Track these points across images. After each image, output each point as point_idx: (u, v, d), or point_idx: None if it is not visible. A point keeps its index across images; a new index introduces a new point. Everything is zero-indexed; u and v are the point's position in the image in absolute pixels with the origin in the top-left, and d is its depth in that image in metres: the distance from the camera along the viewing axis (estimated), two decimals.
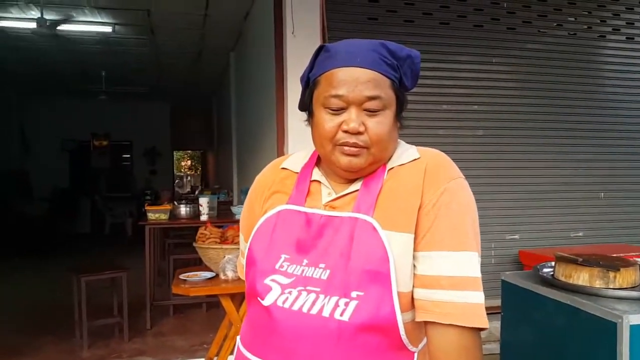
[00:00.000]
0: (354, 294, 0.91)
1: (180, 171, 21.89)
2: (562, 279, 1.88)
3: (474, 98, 4.24)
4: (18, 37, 6.80)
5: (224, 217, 4.83)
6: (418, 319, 0.95)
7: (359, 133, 0.97)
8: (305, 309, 0.92)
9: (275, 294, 0.96)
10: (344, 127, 0.97)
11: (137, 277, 4.63)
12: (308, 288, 0.94)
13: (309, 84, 1.06)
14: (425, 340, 0.99)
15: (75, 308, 4.09)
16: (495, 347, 2.25)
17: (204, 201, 4.66)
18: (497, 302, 2.17)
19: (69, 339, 4.09)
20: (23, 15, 5.93)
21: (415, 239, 0.95)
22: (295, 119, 3.59)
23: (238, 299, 2.87)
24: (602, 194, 4.55)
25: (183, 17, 6.10)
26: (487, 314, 0.93)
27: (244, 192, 5.72)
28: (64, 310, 4.50)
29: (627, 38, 4.62)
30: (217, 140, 12.58)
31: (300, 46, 3.61)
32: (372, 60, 0.98)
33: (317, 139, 1.03)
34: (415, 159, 1.02)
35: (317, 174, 1.08)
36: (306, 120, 1.10)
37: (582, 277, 1.81)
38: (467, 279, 0.92)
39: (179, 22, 6.31)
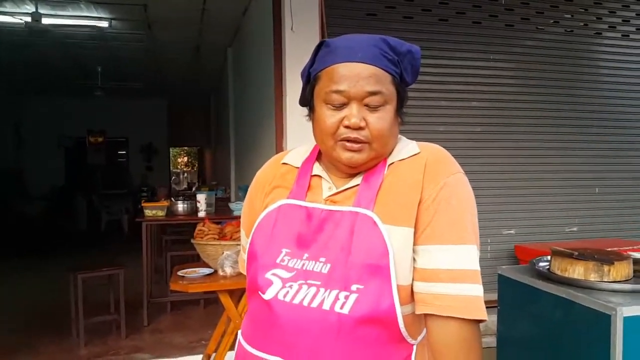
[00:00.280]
0: (354, 287, 0.92)
1: (177, 168, 21.85)
2: (558, 272, 1.90)
3: (473, 94, 4.26)
4: (12, 32, 6.75)
5: (222, 213, 4.84)
6: (418, 312, 0.97)
7: (360, 128, 0.98)
8: (305, 303, 0.93)
9: (276, 287, 0.97)
10: (345, 122, 0.98)
11: (134, 274, 4.64)
12: (309, 282, 0.95)
13: (310, 79, 1.06)
14: (423, 332, 1.01)
15: (72, 306, 4.08)
16: (492, 341, 2.27)
17: (201, 197, 4.66)
18: (494, 296, 2.18)
19: (66, 337, 4.08)
20: (17, 10, 5.87)
21: (415, 233, 0.97)
22: (294, 115, 3.60)
23: (237, 295, 2.88)
24: (597, 189, 4.58)
25: (180, 11, 6.07)
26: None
27: (241, 188, 5.72)
28: (61, 308, 4.49)
29: (622, 35, 4.65)
30: (214, 136, 12.56)
31: (299, 42, 3.61)
32: (373, 55, 0.98)
33: (318, 135, 1.04)
34: (415, 154, 1.04)
35: (317, 168, 1.09)
36: (307, 116, 1.11)
37: (577, 271, 1.84)
38: (466, 272, 0.94)
39: (176, 17, 6.28)
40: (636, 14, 4.66)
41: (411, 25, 4.08)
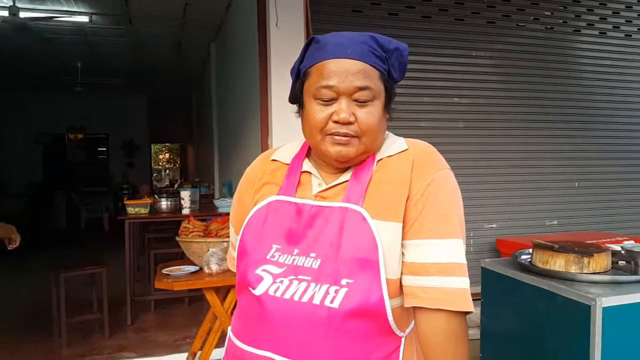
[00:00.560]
0: (344, 281, 0.93)
1: (159, 165, 21.65)
2: (539, 265, 1.94)
3: (455, 90, 4.31)
4: None
5: (207, 210, 4.81)
6: (407, 305, 0.99)
7: (349, 123, 0.99)
8: (296, 297, 0.95)
9: (267, 283, 0.98)
10: (335, 117, 0.99)
11: (116, 273, 4.59)
12: (299, 277, 0.97)
13: (299, 76, 1.08)
14: (411, 325, 1.03)
15: (54, 305, 4.03)
16: (475, 333, 2.30)
17: (185, 194, 4.62)
18: (477, 288, 2.22)
19: (48, 337, 4.02)
20: None
21: (403, 227, 0.99)
22: (279, 111, 3.60)
23: (222, 292, 2.88)
24: (577, 183, 4.67)
25: (162, 6, 6.01)
26: None
27: (226, 185, 5.70)
28: (42, 308, 4.43)
29: (600, 33, 4.73)
30: (197, 132, 12.48)
31: (284, 38, 3.61)
32: (361, 52, 1.00)
33: (308, 130, 1.05)
34: (403, 151, 1.05)
35: (307, 165, 1.11)
36: (296, 112, 1.12)
37: (558, 263, 1.88)
38: (454, 265, 0.96)
39: (157, 11, 6.22)
40: (612, 12, 4.76)
41: (396, 22, 4.12)
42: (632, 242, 2.62)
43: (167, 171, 20.84)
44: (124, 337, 4.07)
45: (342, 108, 0.99)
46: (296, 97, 1.09)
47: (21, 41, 7.40)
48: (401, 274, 0.99)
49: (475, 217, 4.32)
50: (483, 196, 4.38)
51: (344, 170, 1.07)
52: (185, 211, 4.53)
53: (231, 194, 5.22)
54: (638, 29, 4.84)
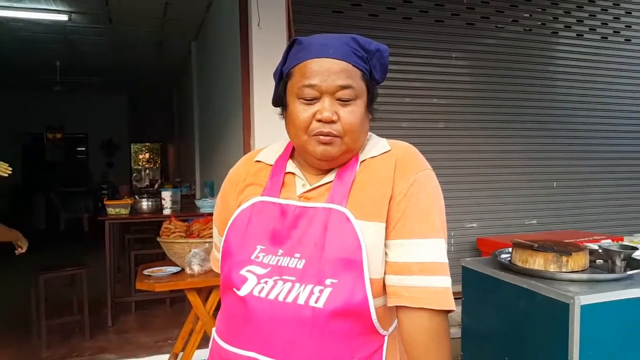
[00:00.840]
0: (328, 281, 0.94)
1: (138, 164, 21.42)
2: (519, 264, 1.97)
3: (435, 91, 4.35)
4: None
5: (188, 210, 4.78)
6: (390, 304, 1.00)
7: (332, 122, 1.00)
8: (281, 298, 0.95)
9: (251, 284, 0.99)
10: (318, 116, 1.00)
11: (96, 274, 4.53)
12: (284, 277, 0.97)
13: (282, 77, 1.08)
14: (394, 323, 1.04)
15: (34, 307, 3.97)
16: (456, 331, 2.33)
17: (166, 195, 4.58)
18: (458, 287, 2.24)
19: (27, 339, 3.97)
20: None
21: (386, 228, 1.00)
22: (261, 111, 3.60)
23: (204, 293, 2.87)
24: (555, 183, 4.74)
25: (142, 5, 5.96)
26: None
27: (207, 185, 5.67)
28: (21, 310, 4.37)
29: (577, 35, 4.82)
30: (178, 132, 12.37)
31: (266, 38, 3.61)
32: (344, 52, 1.01)
33: (292, 130, 1.05)
34: (386, 152, 1.07)
35: (291, 166, 1.11)
36: (280, 114, 1.12)
37: (537, 262, 1.91)
38: (436, 265, 0.98)
39: (138, 10, 6.16)
40: (589, 15, 4.84)
41: (376, 23, 4.14)
42: (609, 240, 2.68)
43: (147, 171, 20.62)
44: (105, 338, 4.03)
45: (325, 107, 1.00)
46: (279, 99, 1.10)
47: None
48: (384, 273, 1.00)
49: (456, 216, 4.36)
50: (463, 196, 4.43)
51: (328, 171, 1.08)
52: (167, 212, 4.50)
53: (213, 195, 5.19)
54: (614, 32, 4.94)
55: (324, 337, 0.93)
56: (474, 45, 4.47)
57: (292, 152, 1.14)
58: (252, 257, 1.02)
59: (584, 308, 1.63)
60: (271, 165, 1.13)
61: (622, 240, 2.74)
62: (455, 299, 0.99)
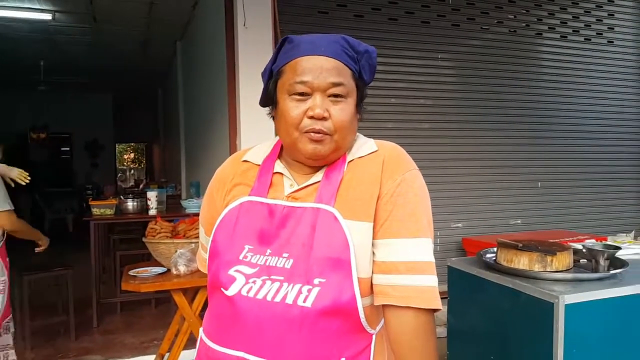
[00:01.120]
0: (316, 280, 0.95)
1: (123, 165, 21.25)
2: (504, 263, 1.99)
3: (421, 92, 4.38)
4: None
5: (174, 211, 4.76)
6: (377, 303, 1.00)
7: (323, 119, 1.01)
8: (269, 298, 0.95)
9: (240, 284, 0.99)
10: (310, 113, 1.01)
11: (81, 275, 4.50)
12: (272, 277, 0.97)
13: (272, 75, 1.08)
14: (382, 322, 1.05)
15: (18, 308, 3.92)
16: (442, 331, 2.34)
17: (152, 195, 4.56)
18: (443, 287, 2.26)
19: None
20: None
21: (374, 227, 1.01)
22: (248, 111, 3.59)
23: (190, 293, 2.85)
24: (539, 183, 4.79)
25: (127, 4, 5.92)
26: None
27: (193, 185, 5.64)
28: None
29: (561, 36, 4.87)
30: (163, 132, 12.30)
31: (252, 38, 3.61)
32: (334, 50, 1.03)
33: (283, 127, 1.05)
34: (373, 152, 1.08)
35: (279, 166, 1.11)
36: (269, 114, 1.13)
37: (522, 262, 1.93)
38: (423, 264, 0.98)
39: (122, 10, 6.12)
40: (573, 17, 4.90)
41: (362, 24, 4.15)
42: (593, 240, 2.71)
43: (132, 171, 20.47)
44: (90, 339, 4.01)
45: (317, 103, 1.00)
46: (269, 97, 1.10)
47: None
48: (372, 272, 1.01)
49: (442, 216, 4.39)
50: (449, 196, 4.46)
51: (316, 171, 1.08)
52: (152, 212, 4.47)
53: (199, 195, 5.17)
54: (597, 33, 5.01)
55: (313, 336, 0.94)
56: (459, 47, 4.51)
57: (280, 152, 1.14)
58: (240, 257, 1.02)
59: (568, 307, 1.64)
60: (259, 165, 1.13)
61: (605, 240, 2.78)
62: (441, 298, 1.00)
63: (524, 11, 4.76)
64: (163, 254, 2.86)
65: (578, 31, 4.94)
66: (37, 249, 3.33)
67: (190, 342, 2.81)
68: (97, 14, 6.29)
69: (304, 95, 1.02)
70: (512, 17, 4.73)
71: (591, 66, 4.98)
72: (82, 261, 4.61)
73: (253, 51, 3.60)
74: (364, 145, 1.10)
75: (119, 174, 14.75)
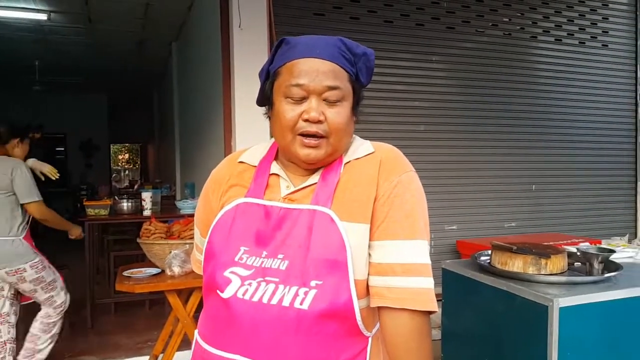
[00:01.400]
0: (313, 283, 0.94)
1: (118, 165, 21.20)
2: (498, 266, 1.99)
3: (416, 94, 4.38)
4: None
5: (168, 212, 4.74)
6: (373, 305, 1.00)
7: (319, 122, 1.00)
8: (265, 300, 0.95)
9: (235, 286, 0.98)
10: (305, 116, 1.00)
11: (76, 275, 4.47)
12: (267, 279, 0.97)
13: (269, 76, 1.08)
14: (378, 324, 1.04)
15: None
16: (436, 333, 2.35)
17: (146, 196, 4.53)
18: (438, 289, 2.25)
19: None
20: None
21: (370, 229, 1.00)
22: (243, 113, 3.59)
23: (184, 294, 2.85)
24: (534, 186, 4.81)
25: (123, 5, 5.91)
26: None
27: (188, 186, 5.63)
28: None
29: (555, 39, 4.89)
30: (158, 133, 12.28)
31: (247, 39, 3.60)
32: (331, 53, 1.02)
33: (278, 129, 1.05)
34: (370, 153, 1.07)
35: (275, 167, 1.11)
36: (265, 114, 1.12)
37: (516, 264, 1.93)
38: (419, 266, 0.98)
39: (118, 10, 6.11)
40: (567, 20, 4.92)
41: (357, 26, 4.16)
42: (587, 243, 2.72)
43: (127, 172, 20.42)
44: (84, 340, 3.99)
45: (312, 107, 1.00)
46: (266, 97, 1.09)
47: None
48: (368, 274, 1.01)
49: (436, 219, 4.39)
50: (444, 198, 4.46)
51: (312, 172, 1.08)
52: (147, 213, 4.45)
53: (193, 196, 5.16)
54: (591, 37, 5.03)
55: (309, 339, 0.93)
56: (454, 49, 4.52)
57: (276, 154, 1.14)
58: (236, 259, 1.01)
59: (563, 310, 1.65)
60: (255, 166, 1.13)
61: (600, 243, 2.79)
62: (436, 300, 1.00)
63: (519, 14, 4.78)
64: (157, 255, 2.85)
65: (573, 34, 4.96)
66: (70, 236, 3.71)
67: (184, 343, 2.81)
68: (93, 14, 6.28)
69: (300, 98, 1.01)
70: (507, 20, 4.75)
71: (585, 69, 5.00)
72: (76, 262, 4.58)
73: (248, 52, 3.60)
74: (360, 147, 1.10)
75: (114, 175, 14.73)
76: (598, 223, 5.07)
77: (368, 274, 1.01)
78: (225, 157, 1.23)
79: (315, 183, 1.06)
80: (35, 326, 3.24)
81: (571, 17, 4.95)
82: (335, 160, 1.07)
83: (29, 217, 3.37)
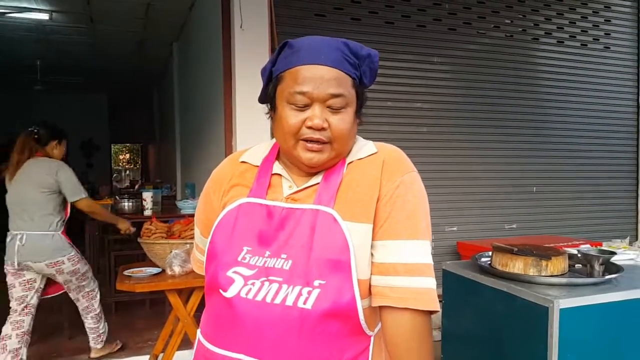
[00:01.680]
0: (316, 282, 0.94)
1: (119, 165, 21.22)
2: (499, 267, 1.99)
3: (418, 95, 4.38)
4: None
5: (169, 211, 4.75)
6: (374, 304, 1.00)
7: (322, 129, 1.01)
8: (268, 299, 0.95)
9: (238, 285, 0.98)
10: (308, 123, 1.00)
11: None
12: (270, 278, 0.97)
13: (272, 78, 1.08)
14: (380, 324, 1.04)
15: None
16: (437, 334, 2.35)
17: (147, 196, 4.55)
18: (438, 290, 2.26)
19: None
20: None
21: (373, 229, 1.01)
22: (244, 113, 3.59)
23: (185, 294, 2.85)
24: (535, 188, 4.80)
25: (124, 5, 5.92)
26: None
27: (188, 186, 5.64)
28: None
29: (557, 41, 4.89)
30: (159, 133, 12.28)
31: (248, 40, 3.60)
32: (335, 58, 1.01)
33: (281, 134, 1.05)
34: (373, 154, 1.08)
35: (277, 167, 1.11)
36: (267, 114, 1.12)
37: (517, 266, 1.93)
38: (421, 266, 0.99)
39: (119, 10, 6.12)
40: (569, 22, 4.92)
41: (359, 27, 4.16)
42: (588, 245, 2.72)
43: (128, 172, 20.44)
44: (84, 339, 3.95)
45: (316, 114, 1.00)
46: (268, 98, 1.09)
47: None
48: (370, 274, 1.01)
49: (437, 220, 4.39)
50: (445, 200, 4.46)
51: (315, 173, 1.08)
52: (147, 212, 4.47)
53: (194, 196, 5.16)
54: (593, 39, 5.02)
55: (312, 338, 0.93)
56: (455, 51, 4.51)
57: (278, 154, 1.14)
58: (239, 259, 1.01)
59: (563, 311, 1.65)
60: (257, 166, 1.12)
61: (600, 245, 2.79)
62: None
63: (521, 16, 4.77)
64: (158, 255, 2.86)
65: (575, 37, 4.95)
66: (121, 232, 3.86)
67: (185, 343, 2.81)
68: (94, 14, 6.28)
69: (303, 106, 1.01)
70: (509, 21, 4.74)
71: (587, 72, 4.99)
72: None
73: (249, 52, 3.60)
74: (363, 148, 1.10)
75: (115, 175, 14.74)
76: (599, 225, 5.06)
77: (370, 274, 1.01)
78: (226, 157, 1.23)
79: (318, 183, 1.06)
80: (88, 321, 3.61)
81: (573, 19, 4.94)
82: (338, 162, 1.07)
83: (66, 214, 3.61)
